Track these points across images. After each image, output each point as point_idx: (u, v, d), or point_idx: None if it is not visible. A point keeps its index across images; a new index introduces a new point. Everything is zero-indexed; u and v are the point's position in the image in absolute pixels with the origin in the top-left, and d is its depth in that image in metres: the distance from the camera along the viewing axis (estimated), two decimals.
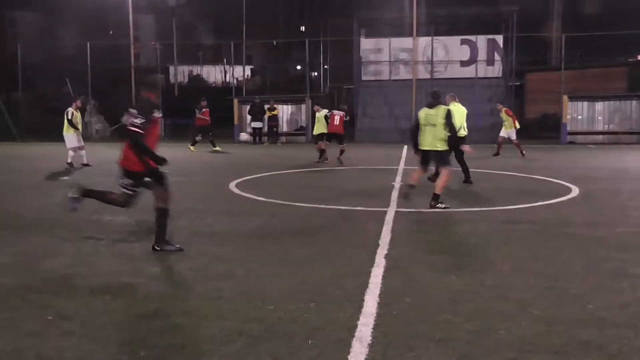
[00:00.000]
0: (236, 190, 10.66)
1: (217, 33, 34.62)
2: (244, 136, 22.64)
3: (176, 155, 16.74)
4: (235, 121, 25.95)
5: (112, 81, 27.10)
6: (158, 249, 6.08)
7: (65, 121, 14.82)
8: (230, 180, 11.81)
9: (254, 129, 25.01)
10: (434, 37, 26.84)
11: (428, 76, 26.16)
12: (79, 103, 15.55)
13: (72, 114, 14.84)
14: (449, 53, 27.37)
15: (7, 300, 4.65)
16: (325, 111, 16.49)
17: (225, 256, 6.02)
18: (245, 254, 6.12)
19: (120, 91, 26.64)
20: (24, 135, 25.00)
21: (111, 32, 35.62)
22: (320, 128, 16.33)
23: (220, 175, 13.29)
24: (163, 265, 5.64)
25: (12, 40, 31.88)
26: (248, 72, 32.77)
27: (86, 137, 25.68)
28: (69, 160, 14.76)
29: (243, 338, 3.86)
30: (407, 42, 27.17)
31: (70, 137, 14.92)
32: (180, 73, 32.77)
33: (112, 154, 18.92)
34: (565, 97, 24.44)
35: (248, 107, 25.31)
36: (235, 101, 26.15)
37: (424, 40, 26.94)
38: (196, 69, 37.79)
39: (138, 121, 5.90)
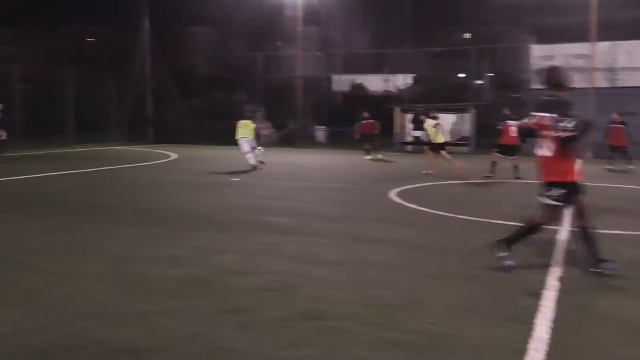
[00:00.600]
0: (397, 199, 10.63)
1: (379, 42, 34.95)
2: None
3: (337, 162, 17.19)
4: (396, 130, 25.99)
5: (278, 90, 28.52)
6: (597, 270, 5.53)
7: (239, 127, 16.01)
8: (391, 189, 11.82)
9: (414, 137, 24.92)
10: (616, 42, 24.67)
11: (607, 84, 24.11)
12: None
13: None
14: (633, 59, 25.00)
15: (185, 289, 5.04)
16: (432, 121, 15.54)
17: (384, 264, 6.01)
18: (405, 264, 6.06)
19: (285, 99, 27.97)
20: (198, 139, 27.15)
21: (279, 43, 37.41)
22: (436, 138, 15.48)
23: (380, 183, 13.36)
24: (325, 269, 5.76)
25: (191, 53, 34.70)
26: (409, 80, 32.63)
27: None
28: (253, 163, 15.88)
29: (402, 349, 3.81)
30: (583, 47, 25.28)
31: (243, 141, 16.02)
32: (342, 82, 33.59)
33: (277, 158, 20.01)
34: None
35: (410, 116, 25.29)
36: (397, 110, 26.20)
37: (603, 46, 24.89)
38: (358, 78, 38.45)
39: (570, 124, 5.31)
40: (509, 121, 14.45)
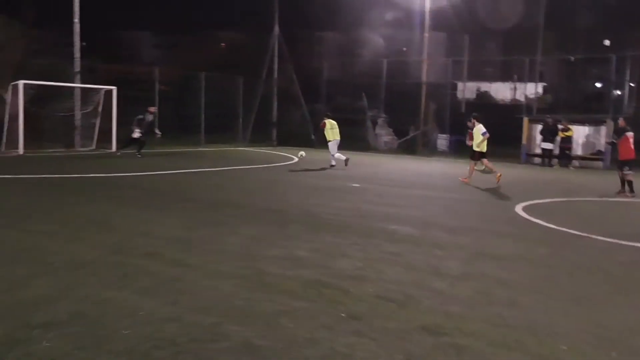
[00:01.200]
0: (523, 214, 10.12)
1: (507, 49, 33.62)
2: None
3: (460, 172, 16.72)
4: (524, 140, 24.84)
5: (401, 96, 28.30)
6: None
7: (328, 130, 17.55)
8: (517, 203, 11.29)
9: (543, 150, 23.62)
10: None
11: None
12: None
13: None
14: None
15: (304, 291, 5.10)
16: (481, 126, 14.85)
17: (509, 282, 5.72)
18: (531, 283, 5.74)
19: (408, 106, 27.69)
20: (320, 142, 27.62)
21: (404, 49, 37.15)
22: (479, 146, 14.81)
23: (505, 196, 12.80)
24: (446, 282, 5.59)
25: (318, 57, 35.38)
26: (540, 89, 31.06)
27: (374, 148, 27.41)
28: (333, 163, 17.57)
29: None
30: None
31: (332, 144, 17.74)
32: (468, 89, 32.69)
33: (397, 165, 19.86)
34: None
35: (539, 127, 24.03)
36: (525, 120, 25.04)
37: None
38: (484, 86, 37.28)
39: None
40: (627, 133, 13.36)
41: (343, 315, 4.53)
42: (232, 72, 29.11)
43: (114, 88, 21.68)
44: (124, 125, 22.69)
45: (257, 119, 29.28)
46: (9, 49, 21.17)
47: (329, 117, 17.98)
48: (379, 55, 30.25)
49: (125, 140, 19.66)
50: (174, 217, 8.53)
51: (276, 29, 29.77)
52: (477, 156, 15.00)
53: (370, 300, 4.94)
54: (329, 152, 17.77)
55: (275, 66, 30.39)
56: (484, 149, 14.91)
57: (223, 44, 41.55)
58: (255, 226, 8.02)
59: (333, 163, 17.70)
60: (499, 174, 14.40)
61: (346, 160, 17.50)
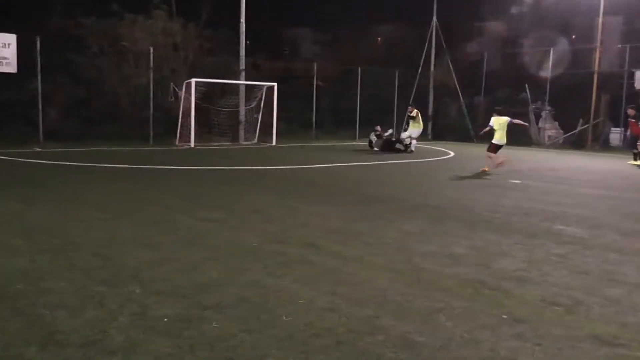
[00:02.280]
0: None
1: None
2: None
3: (636, 170, 15.24)
4: None
5: (569, 87, 26.37)
6: None
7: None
8: None
9: None
10: None
11: None
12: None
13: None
14: None
15: (463, 290, 4.94)
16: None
17: None
18: None
19: (577, 98, 25.72)
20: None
21: (574, 36, 34.63)
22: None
23: None
24: (622, 289, 5.10)
25: (477, 48, 34.16)
26: None
27: (537, 143, 25.88)
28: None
29: None
30: None
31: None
32: None
33: (563, 161, 18.57)
34: None
35: None
36: None
37: None
38: None
39: None
40: None
41: (505, 317, 4.32)
42: (389, 66, 29.12)
43: (274, 85, 22.71)
44: (284, 120, 23.79)
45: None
46: (184, 48, 23.05)
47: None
48: (544, 44, 28.41)
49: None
50: (331, 209, 8.72)
51: (434, 20, 29.24)
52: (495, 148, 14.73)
53: (535, 304, 4.65)
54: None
55: (432, 59, 29.89)
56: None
57: (379, 38, 41.70)
58: (411, 221, 7.94)
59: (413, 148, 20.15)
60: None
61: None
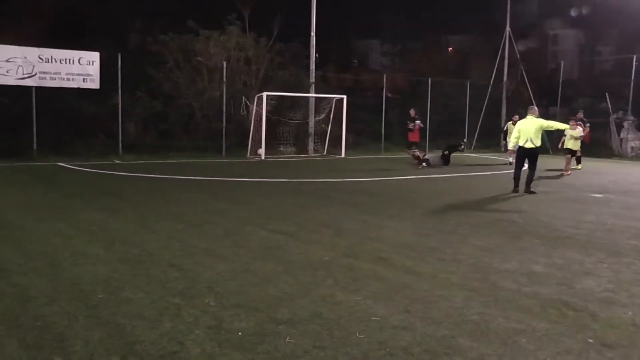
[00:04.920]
0: None
1: None
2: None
3: None
4: None
5: None
6: None
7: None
8: None
9: None
10: None
11: None
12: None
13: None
14: None
15: (544, 311, 4.71)
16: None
17: None
18: None
19: None
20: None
21: None
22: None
23: None
24: None
25: (554, 57, 33.14)
26: None
27: (619, 154, 24.67)
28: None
29: None
30: None
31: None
32: None
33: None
34: None
35: None
36: None
37: None
38: None
39: None
40: None
41: (591, 341, 4.08)
42: (460, 76, 28.63)
43: (344, 97, 22.76)
44: (352, 132, 23.77)
45: (484, 124, 28.35)
46: (256, 63, 23.52)
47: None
48: (628, 50, 27.15)
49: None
50: (402, 222, 8.59)
51: (507, 29, 28.55)
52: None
53: (624, 327, 4.37)
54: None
55: (505, 68, 29.15)
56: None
57: (450, 49, 41.14)
58: (485, 236, 7.70)
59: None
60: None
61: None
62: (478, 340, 4.06)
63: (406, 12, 41.14)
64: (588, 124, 19.52)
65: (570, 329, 4.32)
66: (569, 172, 16.39)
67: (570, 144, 16.80)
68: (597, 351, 3.92)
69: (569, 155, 16.68)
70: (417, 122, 20.37)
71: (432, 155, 19.41)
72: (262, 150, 20.56)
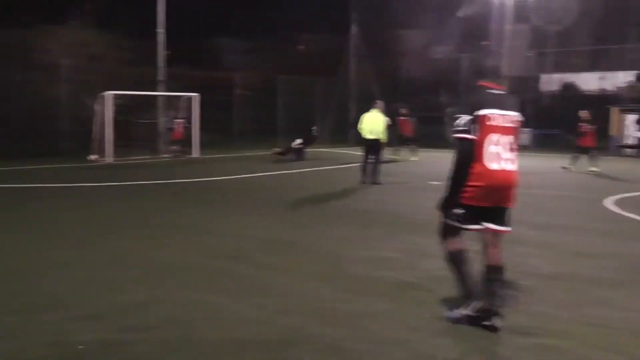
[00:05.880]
0: (614, 209, 9.64)
1: (596, 38, 32.00)
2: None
3: (544, 167, 16.11)
4: (612, 131, 23.62)
5: None
6: None
7: None
8: (606, 197, 10.76)
9: (639, 139, 22.57)
10: None
11: None
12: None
13: None
14: None
15: (389, 292, 5.07)
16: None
17: (605, 281, 5.47)
18: (628, 283, 5.45)
19: None
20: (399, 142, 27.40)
21: (484, 43, 36.11)
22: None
23: (592, 190, 12.23)
24: (536, 282, 5.41)
25: (397, 56, 34.98)
26: (630, 77, 29.45)
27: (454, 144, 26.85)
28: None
29: None
30: None
31: None
32: (552, 81, 31.47)
33: None
34: None
35: (632, 117, 22.92)
36: (614, 110, 23.80)
37: None
38: (570, 77, 35.64)
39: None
40: None
41: (427, 315, 4.48)
42: (310, 74, 29.39)
43: (196, 95, 22.42)
44: (206, 131, 23.49)
45: (335, 120, 29.39)
46: (101, 60, 22.36)
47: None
48: (459, 50, 29.58)
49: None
50: (259, 219, 8.71)
51: (353, 28, 29.82)
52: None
53: (456, 301, 4.83)
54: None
55: (352, 66, 30.43)
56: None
57: (301, 47, 42.05)
58: (338, 227, 8.06)
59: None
60: None
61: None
62: (330, 326, 4.27)
63: (259, 10, 41.32)
64: (413, 119, 21.19)
65: (411, 306, 4.70)
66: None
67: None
68: (432, 324, 4.30)
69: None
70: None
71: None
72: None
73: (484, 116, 4.11)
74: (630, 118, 23.25)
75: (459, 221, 4.20)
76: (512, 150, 4.20)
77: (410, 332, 4.17)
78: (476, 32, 31.54)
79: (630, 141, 23.17)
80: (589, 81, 35.42)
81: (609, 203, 10.20)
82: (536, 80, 29.97)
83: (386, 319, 4.43)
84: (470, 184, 4.10)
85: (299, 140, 20.26)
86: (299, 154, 19.84)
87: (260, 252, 6.54)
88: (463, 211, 4.16)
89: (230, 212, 9.42)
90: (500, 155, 4.13)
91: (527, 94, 26.80)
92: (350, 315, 4.51)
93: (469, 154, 4.09)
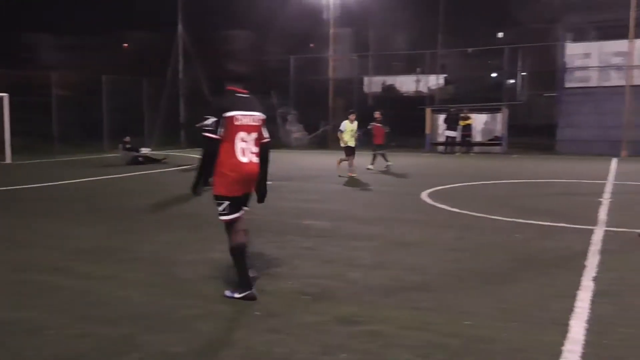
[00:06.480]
0: (428, 201, 10.56)
1: (412, 43, 34.80)
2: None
3: (366, 164, 17.11)
4: (427, 130, 25.84)
5: (310, 92, 28.60)
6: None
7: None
8: (422, 190, 11.75)
9: (447, 137, 24.83)
10: None
11: None
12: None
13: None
14: None
15: (219, 294, 5.06)
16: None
17: (419, 267, 5.98)
18: (439, 267, 6.02)
19: (318, 102, 28.04)
20: None
21: (311, 45, 37.54)
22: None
23: (410, 184, 13.31)
24: (360, 272, 5.76)
25: (225, 56, 34.96)
26: (442, 80, 32.40)
27: (285, 144, 27.53)
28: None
29: (441, 352, 3.81)
30: (621, 45, 24.67)
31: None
32: (374, 83, 33.56)
33: (309, 160, 20.01)
34: None
35: (443, 116, 25.26)
36: (428, 110, 26.04)
37: None
38: (390, 79, 38.35)
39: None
40: None
41: (258, 313, 4.57)
42: (137, 74, 28.25)
43: (5, 95, 20.44)
44: (20, 134, 21.54)
45: (164, 121, 28.56)
46: None
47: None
48: (287, 52, 30.35)
49: None
50: (81, 227, 8.22)
51: (179, 28, 29.19)
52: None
53: (286, 297, 5.00)
54: None
55: (180, 66, 29.80)
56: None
57: (126, 45, 40.24)
58: (167, 231, 7.89)
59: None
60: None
61: None
62: (159, 333, 4.18)
63: (81, 5, 38.70)
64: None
65: (244, 306, 4.74)
66: None
67: None
68: (264, 321, 4.40)
69: None
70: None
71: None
72: None
73: (232, 117, 4.75)
74: (441, 118, 25.60)
75: (227, 213, 4.93)
76: (256, 145, 4.92)
77: (241, 331, 4.23)
78: (303, 35, 32.60)
79: (441, 139, 25.51)
80: (407, 83, 38.39)
81: (425, 196, 11.14)
82: (360, 82, 31.72)
83: (218, 320, 4.44)
84: (228, 175, 4.78)
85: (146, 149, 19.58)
86: (132, 158, 19.01)
87: (83, 263, 6.19)
88: (229, 202, 4.88)
89: (52, 221, 8.78)
90: (248, 150, 4.84)
91: (352, 95, 28.31)
92: (181, 319, 4.45)
93: (213, 150, 4.74)
